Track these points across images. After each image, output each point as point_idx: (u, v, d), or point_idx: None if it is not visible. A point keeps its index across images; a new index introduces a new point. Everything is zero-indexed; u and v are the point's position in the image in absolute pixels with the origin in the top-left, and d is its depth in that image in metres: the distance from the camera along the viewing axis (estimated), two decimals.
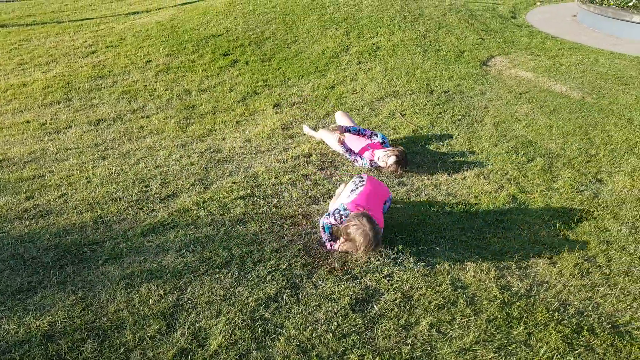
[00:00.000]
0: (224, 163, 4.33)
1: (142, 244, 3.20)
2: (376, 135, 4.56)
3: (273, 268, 2.97)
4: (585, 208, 3.82)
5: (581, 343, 2.53)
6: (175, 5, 9.64)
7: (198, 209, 3.57)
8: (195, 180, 3.99)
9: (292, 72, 6.73)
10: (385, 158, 4.24)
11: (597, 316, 2.73)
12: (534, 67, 6.79)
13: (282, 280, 2.87)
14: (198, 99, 5.89)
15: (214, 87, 6.23)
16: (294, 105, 5.76)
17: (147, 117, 5.38)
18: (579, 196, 3.97)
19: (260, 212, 3.56)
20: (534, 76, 6.52)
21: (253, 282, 2.84)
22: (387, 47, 7.55)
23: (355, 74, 6.70)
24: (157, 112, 5.49)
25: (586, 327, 2.63)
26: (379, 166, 4.35)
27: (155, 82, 6.32)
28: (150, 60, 6.97)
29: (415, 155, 4.62)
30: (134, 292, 2.78)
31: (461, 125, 5.22)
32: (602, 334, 2.60)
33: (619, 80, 6.44)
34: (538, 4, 11.00)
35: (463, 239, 3.35)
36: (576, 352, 2.47)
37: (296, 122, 5.29)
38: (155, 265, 2.99)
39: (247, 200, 3.70)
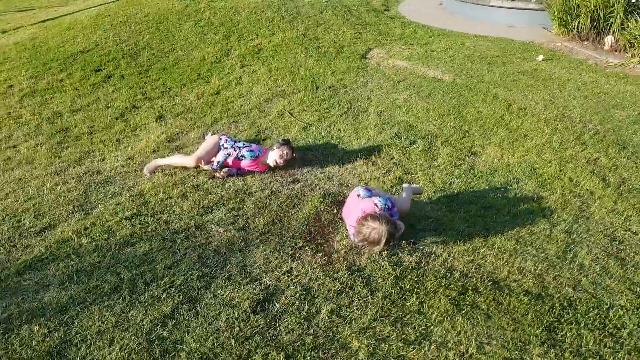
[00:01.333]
0: (105, 185, 4.07)
1: (18, 283, 2.91)
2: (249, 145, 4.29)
3: (167, 285, 2.85)
4: (463, 180, 4.12)
5: (467, 302, 2.73)
6: (35, 24, 8.89)
7: (79, 237, 3.33)
8: (74, 207, 3.72)
9: (173, 81, 6.52)
10: (279, 157, 4.17)
11: (479, 276, 2.96)
12: (408, 56, 7.20)
13: (178, 295, 2.76)
14: (71, 120, 5.48)
15: (88, 106, 5.85)
16: (178, 115, 5.58)
17: (14, 146, 4.90)
18: (457, 170, 4.28)
19: (149, 230, 3.40)
20: (409, 64, 6.91)
21: (147, 303, 2.71)
22: (268, 48, 7.58)
23: (240, 77, 6.65)
24: (26, 140, 5.02)
25: (470, 288, 2.84)
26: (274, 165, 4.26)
27: (20, 108, 5.78)
28: (12, 85, 6.37)
29: (307, 151, 4.69)
30: (13, 336, 2.52)
31: (347, 117, 5.39)
32: (484, 291, 2.82)
33: (484, 60, 7.04)
34: None
35: None
36: (463, 311, 2.66)
37: (182, 133, 5.13)
38: (35, 303, 2.74)
39: (133, 220, 3.52)
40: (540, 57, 7.09)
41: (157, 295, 2.77)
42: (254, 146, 4.34)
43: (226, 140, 4.39)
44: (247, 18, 8.58)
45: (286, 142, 4.27)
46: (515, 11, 9.00)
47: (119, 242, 3.27)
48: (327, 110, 5.56)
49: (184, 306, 2.69)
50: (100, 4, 9.40)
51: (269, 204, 3.73)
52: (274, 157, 4.20)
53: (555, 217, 3.62)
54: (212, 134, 4.70)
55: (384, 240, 2.90)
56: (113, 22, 8.23)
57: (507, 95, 5.81)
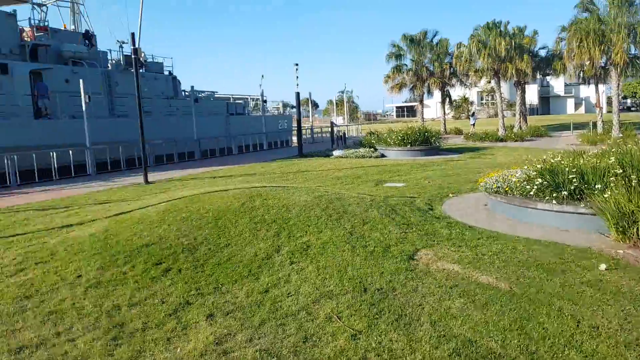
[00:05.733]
0: None
1: None
2: None
3: None
4: None
5: None
6: (110, 216, 9.74)
7: None
8: None
9: (226, 277, 6.70)
10: None
11: None
12: (458, 259, 7.20)
13: None
14: (128, 314, 5.61)
15: (145, 300, 6.00)
16: (228, 314, 5.59)
17: (73, 340, 5.03)
18: None
19: None
20: (460, 268, 6.86)
21: None
22: (317, 245, 7.83)
23: (289, 274, 6.76)
24: (84, 334, 5.15)
25: None
26: None
27: (84, 299, 6.03)
28: (80, 275, 6.74)
29: None
30: None
31: (399, 325, 5.20)
32: None
33: (540, 268, 6.83)
34: (451, 195, 12.22)
35: None
36: None
37: (231, 335, 5.07)
38: None
39: None
40: (603, 266, 6.81)
41: None
42: None
43: None
44: (297, 215, 9.08)
45: None
46: (565, 215, 9.04)
47: None
48: (377, 317, 5.41)
49: None
50: (168, 200, 10.31)
51: None
52: None
53: None
54: None
55: None
56: (177, 217, 8.90)
57: (574, 310, 5.45)
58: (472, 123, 41.69)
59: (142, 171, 16.50)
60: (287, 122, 39.65)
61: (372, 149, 24.65)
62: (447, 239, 8.25)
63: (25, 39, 23.16)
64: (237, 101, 37.36)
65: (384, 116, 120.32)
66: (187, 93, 31.57)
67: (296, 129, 29.76)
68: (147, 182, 16.13)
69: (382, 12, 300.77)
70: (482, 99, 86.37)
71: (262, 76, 37.07)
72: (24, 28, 23.65)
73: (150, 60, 29.77)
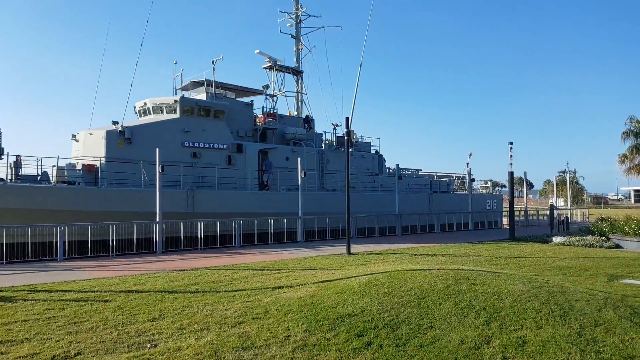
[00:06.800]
0: None
1: None
2: None
3: None
4: None
5: None
6: (316, 282, 10.29)
7: None
8: None
9: None
10: None
11: None
12: None
13: None
14: None
15: None
16: None
17: None
18: None
19: None
20: None
21: None
22: (535, 342, 6.87)
23: None
24: None
25: None
26: None
27: (293, 359, 6.30)
28: (289, 335, 7.12)
29: None
30: None
31: None
32: None
33: None
34: None
35: None
36: None
37: None
38: None
39: None
40: None
41: None
42: None
43: None
44: (510, 306, 8.20)
45: None
46: None
47: None
48: None
49: None
50: (370, 273, 10.46)
51: None
52: None
53: None
54: None
55: None
56: (379, 291, 8.90)
57: None
58: None
59: (346, 242, 17.24)
60: (497, 202, 37.49)
61: (603, 238, 21.37)
62: None
63: (258, 123, 27.38)
64: (441, 179, 37.11)
65: (618, 200, 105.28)
66: (391, 170, 32.70)
67: (507, 210, 27.89)
68: (349, 253, 16.75)
69: (606, 85, 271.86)
70: None
71: (470, 154, 35.87)
72: (257, 114, 28.04)
73: (359, 140, 31.99)
